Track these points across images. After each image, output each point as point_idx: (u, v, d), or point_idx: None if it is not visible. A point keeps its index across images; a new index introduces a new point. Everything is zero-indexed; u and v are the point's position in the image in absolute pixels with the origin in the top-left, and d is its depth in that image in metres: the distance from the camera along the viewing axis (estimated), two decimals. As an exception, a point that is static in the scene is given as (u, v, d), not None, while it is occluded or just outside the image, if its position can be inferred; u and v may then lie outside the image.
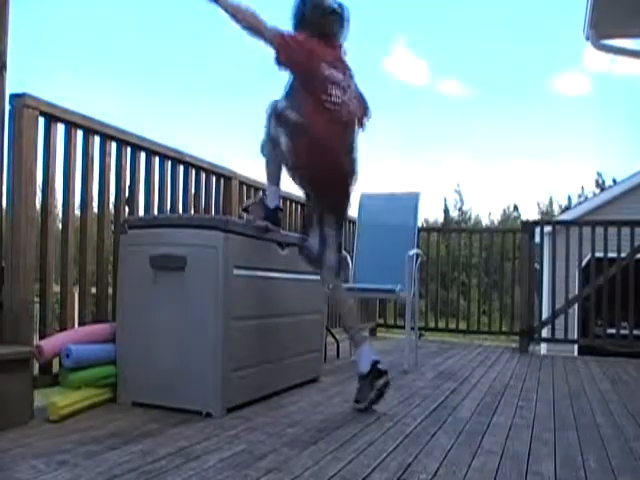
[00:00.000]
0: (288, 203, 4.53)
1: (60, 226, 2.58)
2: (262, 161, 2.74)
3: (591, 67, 47.91)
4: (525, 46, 48.12)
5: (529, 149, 52.66)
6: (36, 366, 2.29)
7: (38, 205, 2.40)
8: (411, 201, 4.23)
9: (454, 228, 19.56)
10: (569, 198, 33.44)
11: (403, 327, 3.98)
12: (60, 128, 2.48)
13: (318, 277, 2.68)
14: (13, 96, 2.24)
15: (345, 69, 2.65)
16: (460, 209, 34.19)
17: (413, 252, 3.81)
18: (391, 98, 44.49)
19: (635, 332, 5.01)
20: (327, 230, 2.61)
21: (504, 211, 34.40)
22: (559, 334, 5.14)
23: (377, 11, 46.00)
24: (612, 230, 4.96)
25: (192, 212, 3.34)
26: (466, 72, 49.95)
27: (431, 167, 54.77)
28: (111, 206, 2.80)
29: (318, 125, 2.49)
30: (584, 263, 5.28)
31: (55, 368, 2.41)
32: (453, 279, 6.56)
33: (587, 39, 4.44)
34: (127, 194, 2.88)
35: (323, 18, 2.61)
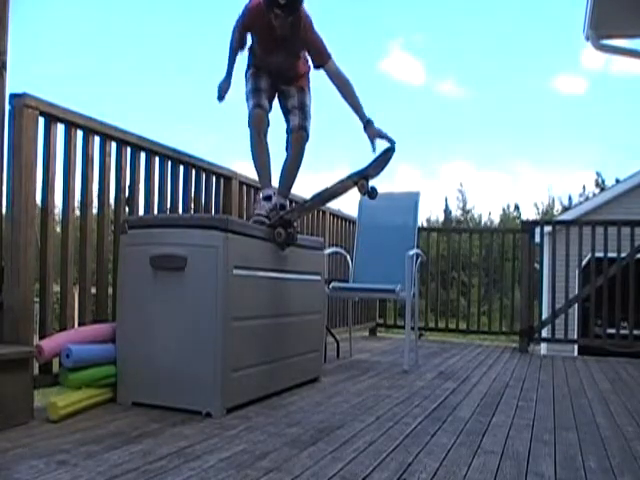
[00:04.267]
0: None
1: (60, 226, 2.58)
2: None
3: (589, 67, 48.00)
4: (524, 46, 48.15)
5: (528, 149, 52.75)
6: (36, 366, 2.28)
7: (38, 205, 2.40)
8: (411, 201, 4.23)
9: (454, 228, 19.57)
10: (570, 198, 33.45)
11: (403, 327, 3.98)
12: (60, 128, 2.48)
13: (318, 277, 2.67)
14: (13, 96, 2.24)
15: None
16: (463, 209, 34.18)
17: (413, 252, 3.81)
18: (389, 98, 44.52)
19: (635, 332, 5.01)
20: None
21: (504, 211, 34.40)
22: (559, 334, 5.14)
23: (375, 12, 46.04)
24: (612, 230, 4.95)
25: (192, 212, 3.34)
26: (464, 72, 49.95)
27: (430, 167, 54.80)
28: (111, 206, 2.80)
29: None
30: (584, 263, 5.28)
31: (55, 368, 2.41)
32: (453, 279, 6.56)
33: (587, 39, 4.45)
34: (127, 194, 2.88)
35: None
